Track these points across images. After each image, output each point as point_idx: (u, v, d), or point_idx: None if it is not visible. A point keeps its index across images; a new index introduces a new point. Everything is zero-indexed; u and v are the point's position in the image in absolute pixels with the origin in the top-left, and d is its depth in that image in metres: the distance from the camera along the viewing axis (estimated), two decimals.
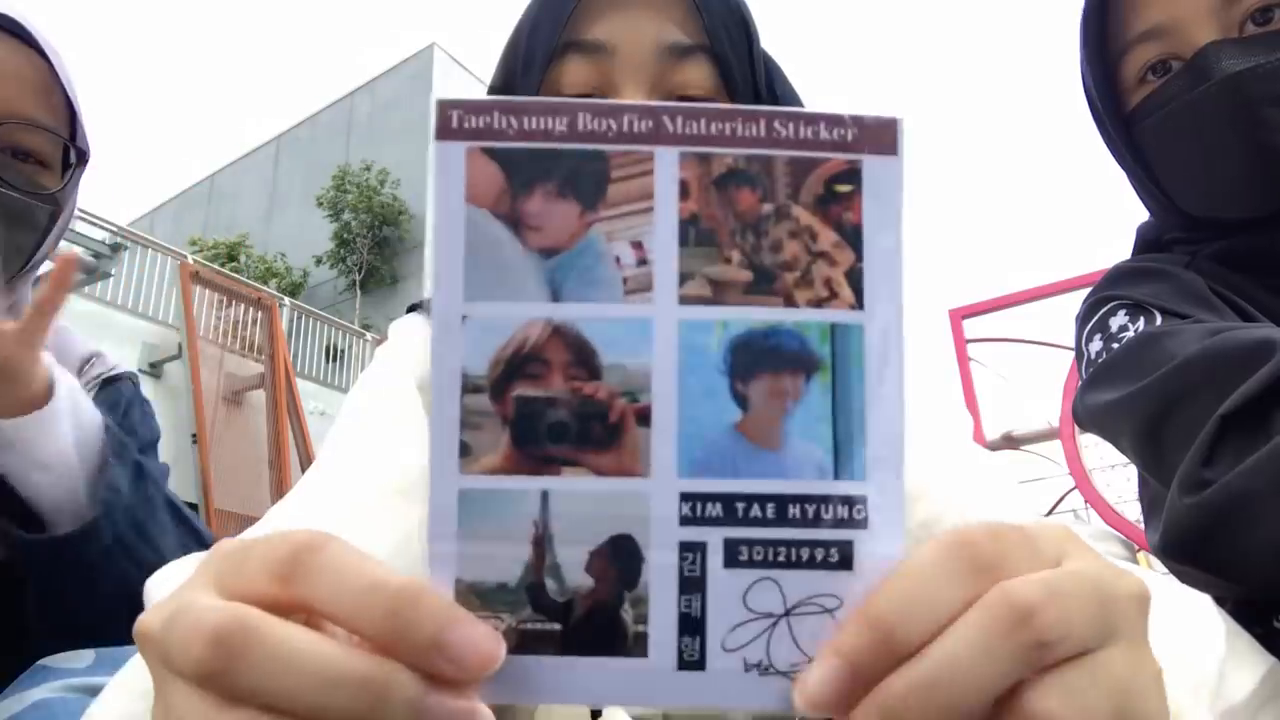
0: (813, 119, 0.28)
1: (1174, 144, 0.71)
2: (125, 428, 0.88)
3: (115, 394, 0.92)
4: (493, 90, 0.68)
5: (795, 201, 0.28)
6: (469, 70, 19.09)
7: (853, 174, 0.28)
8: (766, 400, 0.27)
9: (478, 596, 0.27)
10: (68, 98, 0.83)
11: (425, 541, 0.27)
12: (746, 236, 0.28)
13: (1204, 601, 0.45)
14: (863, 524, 0.27)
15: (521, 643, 0.26)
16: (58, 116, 0.83)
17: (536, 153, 0.28)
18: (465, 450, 0.27)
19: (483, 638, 0.25)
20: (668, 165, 0.28)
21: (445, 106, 0.28)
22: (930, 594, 0.25)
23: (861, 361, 0.27)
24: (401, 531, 0.49)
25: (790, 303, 0.27)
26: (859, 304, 0.27)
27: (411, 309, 0.69)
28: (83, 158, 0.85)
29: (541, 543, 0.27)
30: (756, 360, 0.27)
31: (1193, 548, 0.54)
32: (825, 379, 0.27)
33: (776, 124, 0.28)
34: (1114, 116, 0.75)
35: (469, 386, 0.27)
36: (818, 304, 0.27)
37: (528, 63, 0.63)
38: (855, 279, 0.27)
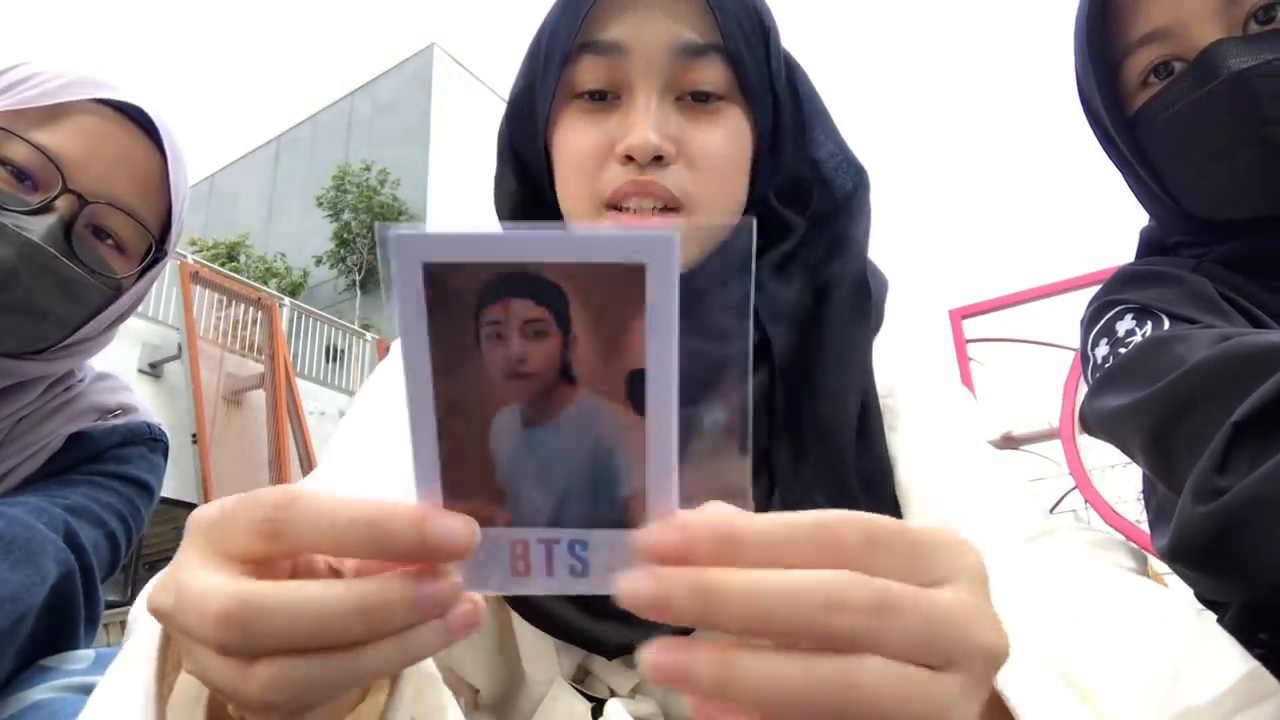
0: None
1: (1179, 144, 0.70)
2: (107, 457, 0.86)
3: (123, 431, 0.89)
4: (514, 95, 0.69)
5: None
6: (469, 70, 19.08)
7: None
8: None
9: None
10: (171, 201, 0.84)
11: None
12: None
13: (1178, 605, 0.44)
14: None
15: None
16: (154, 213, 0.84)
17: None
18: None
19: (457, 521, 0.28)
20: None
21: None
22: (785, 539, 0.27)
23: None
24: None
25: None
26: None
27: None
28: (161, 258, 0.86)
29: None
30: None
31: (1205, 554, 0.53)
32: None
33: None
34: (1116, 121, 0.74)
35: None
36: None
37: (546, 65, 0.63)
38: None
